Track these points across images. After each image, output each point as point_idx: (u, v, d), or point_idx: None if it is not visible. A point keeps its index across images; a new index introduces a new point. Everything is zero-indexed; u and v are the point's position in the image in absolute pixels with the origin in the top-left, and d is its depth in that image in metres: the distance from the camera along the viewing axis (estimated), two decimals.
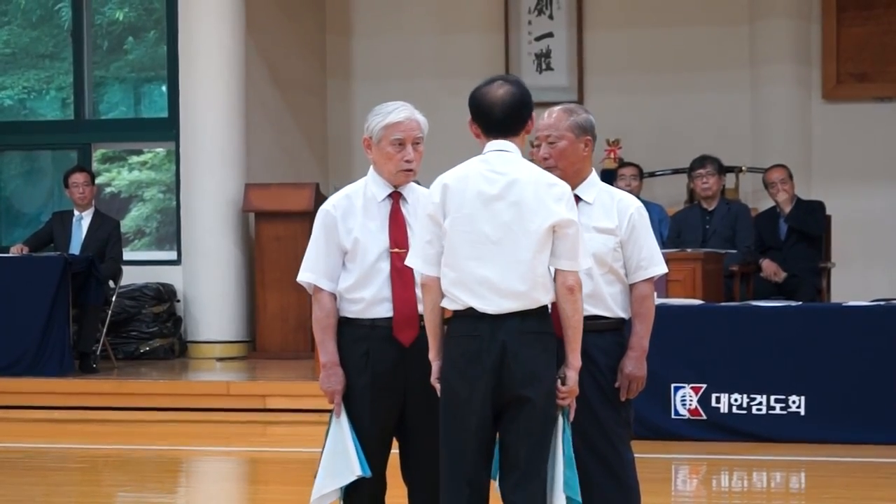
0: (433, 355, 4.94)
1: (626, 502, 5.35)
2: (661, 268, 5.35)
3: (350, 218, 5.19)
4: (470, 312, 4.80)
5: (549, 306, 4.92)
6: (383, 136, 5.20)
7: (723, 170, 11.76)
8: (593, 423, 5.28)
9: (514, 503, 4.82)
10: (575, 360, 4.90)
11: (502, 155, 4.89)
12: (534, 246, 4.79)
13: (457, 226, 4.82)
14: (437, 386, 4.92)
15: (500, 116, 4.90)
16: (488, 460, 4.90)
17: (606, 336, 5.30)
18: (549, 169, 5.31)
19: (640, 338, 5.32)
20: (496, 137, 4.93)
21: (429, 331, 4.94)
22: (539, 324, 4.84)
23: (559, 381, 4.91)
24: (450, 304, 4.86)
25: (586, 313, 5.19)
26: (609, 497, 5.31)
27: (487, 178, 4.83)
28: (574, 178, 5.30)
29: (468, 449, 4.84)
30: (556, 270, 4.85)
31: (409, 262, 4.98)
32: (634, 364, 5.30)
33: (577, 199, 5.26)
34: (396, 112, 5.22)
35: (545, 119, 5.36)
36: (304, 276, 5.21)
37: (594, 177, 5.39)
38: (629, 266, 5.32)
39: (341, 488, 5.15)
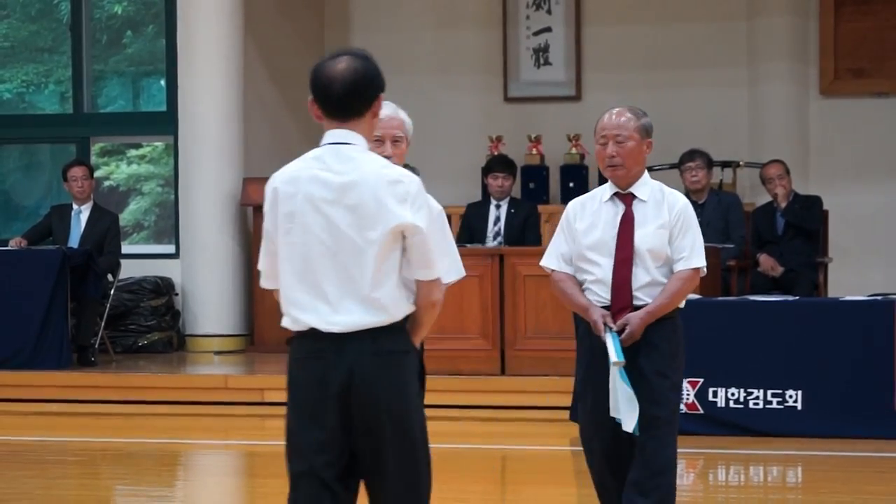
0: None
1: (667, 480, 5.62)
2: (699, 261, 5.65)
3: None
4: (312, 332, 4.22)
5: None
6: None
7: (712, 164, 11.81)
8: (651, 415, 5.54)
9: None
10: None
11: (341, 149, 4.28)
12: (376, 254, 4.20)
13: (289, 236, 4.26)
14: None
15: (340, 93, 4.29)
16: (346, 491, 4.30)
17: (665, 323, 5.62)
18: (613, 167, 5.65)
19: (658, 304, 5.58)
20: (336, 120, 4.32)
21: None
22: (395, 342, 4.24)
23: None
24: (290, 325, 4.27)
25: (644, 303, 5.56)
26: (653, 479, 5.58)
27: (320, 180, 4.24)
28: (634, 178, 5.67)
29: (317, 483, 4.24)
30: (417, 282, 4.29)
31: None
32: (637, 325, 5.54)
33: (633, 196, 5.66)
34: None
35: (612, 118, 5.70)
36: None
37: (647, 176, 5.74)
38: (674, 256, 5.63)
39: None
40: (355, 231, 4.20)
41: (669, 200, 5.66)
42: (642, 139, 5.68)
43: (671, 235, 5.61)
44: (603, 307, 5.58)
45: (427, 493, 4.32)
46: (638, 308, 5.56)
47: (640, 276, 5.58)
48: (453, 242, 5.32)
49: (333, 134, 4.31)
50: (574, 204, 5.78)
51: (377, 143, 5.15)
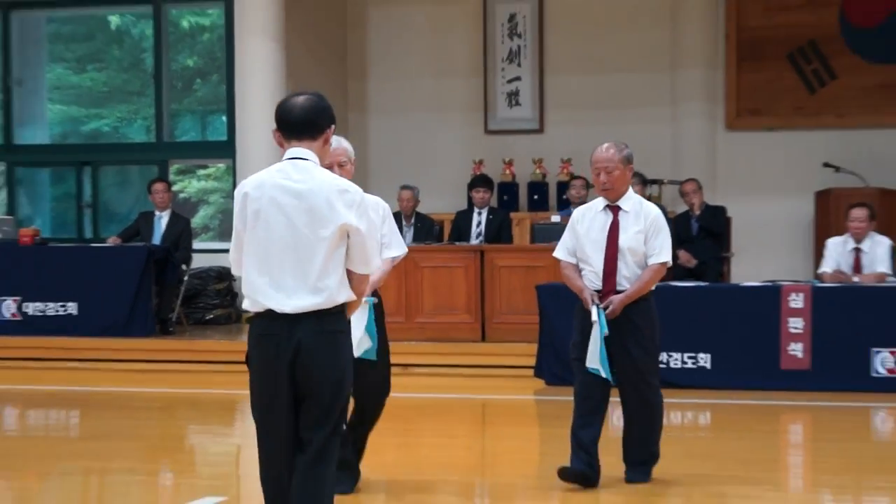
0: None
1: (651, 415, 5.87)
2: (666, 256, 5.79)
3: None
4: (268, 313, 3.99)
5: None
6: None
7: (645, 182, 11.80)
8: (634, 370, 5.75)
9: (305, 488, 4.01)
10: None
11: (298, 164, 4.06)
12: (326, 249, 3.97)
13: (254, 232, 4.03)
14: None
15: (299, 116, 4.06)
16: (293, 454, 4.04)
17: (641, 304, 5.76)
18: (605, 191, 5.80)
19: (633, 290, 5.74)
20: (295, 140, 4.09)
21: None
22: (336, 323, 4.01)
23: None
24: (251, 307, 4.04)
25: (625, 288, 5.72)
26: (638, 413, 5.88)
27: (282, 187, 4.02)
28: (620, 195, 5.82)
29: (282, 447, 4.02)
30: (352, 274, 4.05)
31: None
32: (617, 304, 5.76)
33: (618, 209, 5.79)
34: None
35: (602, 153, 5.84)
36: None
37: (630, 192, 5.86)
38: (647, 253, 5.77)
39: None
40: (310, 229, 3.98)
41: (645, 211, 5.84)
42: (625, 167, 5.84)
43: (646, 238, 5.77)
44: (596, 290, 5.77)
45: (336, 431, 4.04)
46: (620, 292, 5.75)
47: (623, 268, 5.74)
48: (397, 231, 5.58)
49: (293, 151, 4.08)
50: (578, 211, 5.97)
51: (328, 167, 5.13)
